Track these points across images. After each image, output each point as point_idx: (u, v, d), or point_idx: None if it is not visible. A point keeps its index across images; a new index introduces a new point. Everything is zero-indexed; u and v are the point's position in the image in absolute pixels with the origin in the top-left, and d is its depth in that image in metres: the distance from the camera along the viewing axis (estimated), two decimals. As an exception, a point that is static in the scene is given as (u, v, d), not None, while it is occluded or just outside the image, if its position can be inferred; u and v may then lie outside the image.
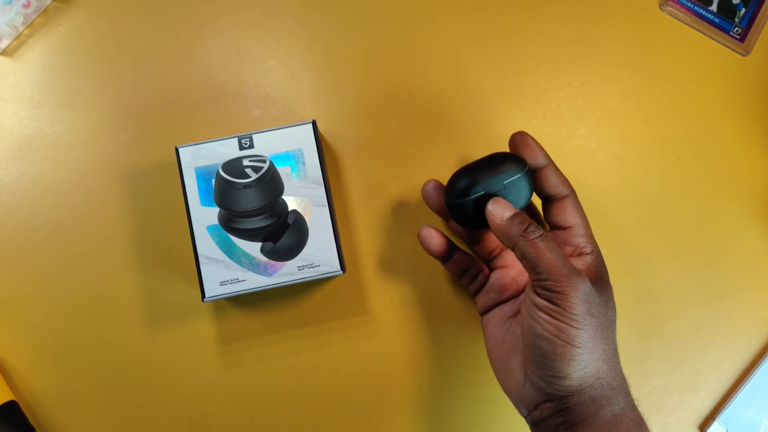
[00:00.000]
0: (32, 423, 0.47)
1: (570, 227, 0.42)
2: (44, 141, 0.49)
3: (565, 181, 0.42)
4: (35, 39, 0.50)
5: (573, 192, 0.42)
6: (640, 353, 0.49)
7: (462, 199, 0.41)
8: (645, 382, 0.49)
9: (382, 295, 0.49)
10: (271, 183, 0.44)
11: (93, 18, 0.50)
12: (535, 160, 0.42)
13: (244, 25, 0.50)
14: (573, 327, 0.36)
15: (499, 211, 0.40)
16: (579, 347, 0.36)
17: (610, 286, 0.41)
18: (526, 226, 0.38)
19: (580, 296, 0.36)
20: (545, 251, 0.38)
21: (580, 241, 0.42)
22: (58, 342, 0.48)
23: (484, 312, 0.45)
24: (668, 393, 0.49)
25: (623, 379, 0.39)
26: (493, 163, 0.41)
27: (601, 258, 0.42)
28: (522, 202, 0.41)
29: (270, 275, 0.43)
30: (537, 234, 0.38)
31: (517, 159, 0.41)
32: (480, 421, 0.49)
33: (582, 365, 0.37)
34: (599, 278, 0.40)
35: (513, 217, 0.39)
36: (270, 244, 0.43)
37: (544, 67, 0.51)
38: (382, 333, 0.49)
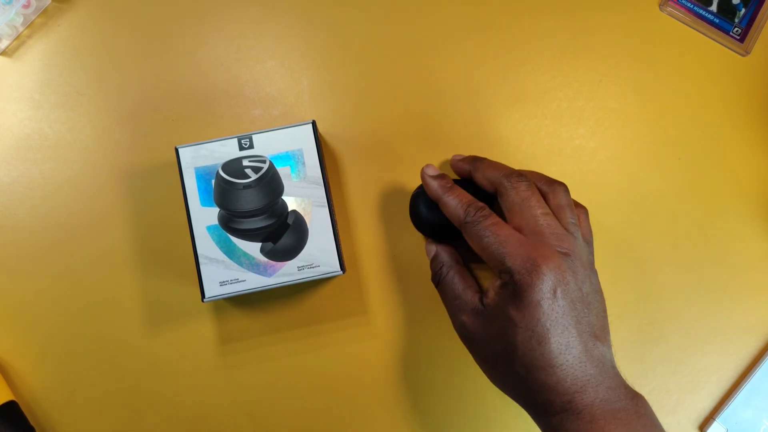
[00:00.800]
0: (32, 423, 0.47)
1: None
2: (44, 141, 0.49)
3: (457, 214, 0.41)
4: (35, 39, 0.50)
5: (467, 222, 0.40)
6: (640, 353, 0.49)
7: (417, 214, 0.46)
8: (645, 382, 0.49)
9: (382, 295, 0.49)
10: (270, 183, 0.44)
11: (93, 18, 0.50)
12: (433, 197, 0.43)
13: (244, 25, 0.50)
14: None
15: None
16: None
17: (513, 307, 0.37)
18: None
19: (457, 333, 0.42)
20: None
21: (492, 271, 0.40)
22: (58, 342, 0.48)
23: None
24: (668, 393, 0.49)
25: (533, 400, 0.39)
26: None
27: (500, 290, 0.38)
28: None
29: (270, 275, 0.43)
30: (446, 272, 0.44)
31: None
32: (482, 421, 0.49)
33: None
34: (495, 306, 0.39)
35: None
36: (270, 245, 0.43)
37: (544, 67, 0.51)
38: (382, 333, 0.49)
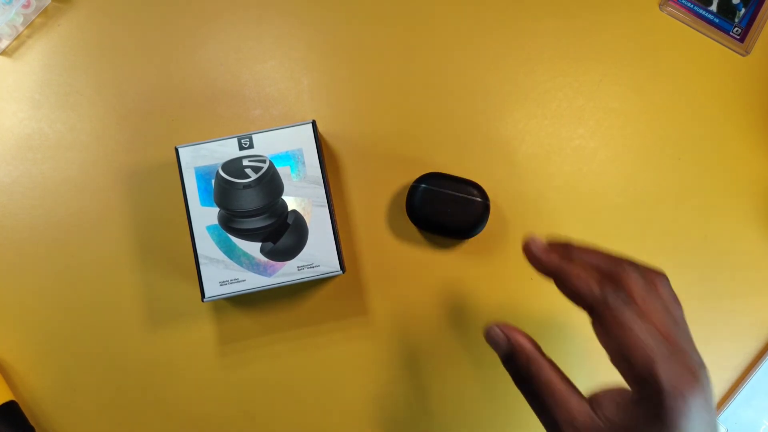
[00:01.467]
0: (32, 423, 0.47)
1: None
2: (44, 141, 0.49)
3: (587, 293, 0.33)
4: (35, 39, 0.50)
5: (608, 306, 0.32)
6: (640, 353, 0.49)
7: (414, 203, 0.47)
8: (645, 382, 0.49)
9: (382, 295, 0.49)
10: (270, 183, 0.44)
11: (93, 18, 0.50)
12: (552, 272, 0.35)
13: (244, 25, 0.50)
14: None
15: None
16: None
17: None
18: None
19: None
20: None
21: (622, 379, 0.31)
22: (58, 342, 0.48)
23: None
24: (668, 393, 0.49)
25: None
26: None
27: (633, 408, 0.30)
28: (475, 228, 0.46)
29: (270, 275, 0.43)
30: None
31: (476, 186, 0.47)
32: (480, 421, 0.49)
33: None
34: (624, 427, 0.30)
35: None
36: (270, 244, 0.43)
37: (544, 67, 0.51)
38: (382, 333, 0.49)
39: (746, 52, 0.51)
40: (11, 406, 0.46)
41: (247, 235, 0.43)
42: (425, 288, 0.49)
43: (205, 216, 0.44)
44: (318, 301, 0.49)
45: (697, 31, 0.51)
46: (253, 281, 0.43)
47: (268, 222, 0.44)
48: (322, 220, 0.44)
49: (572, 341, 0.49)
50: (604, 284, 0.33)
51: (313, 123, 0.45)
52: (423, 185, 0.46)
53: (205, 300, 0.43)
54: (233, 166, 0.44)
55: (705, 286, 0.50)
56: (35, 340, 0.48)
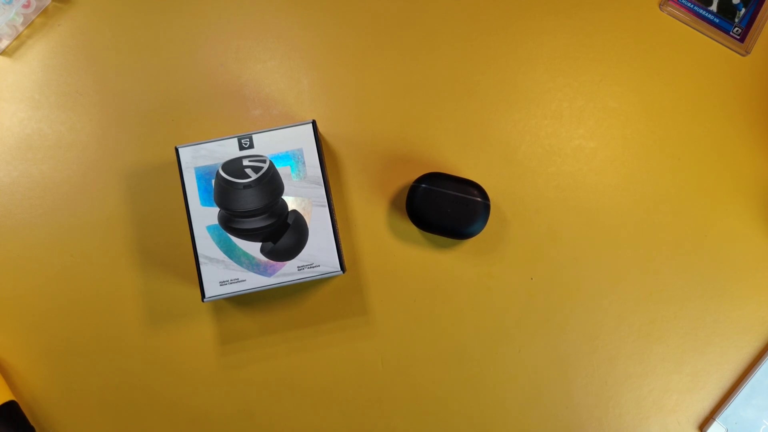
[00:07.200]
0: (32, 423, 0.47)
1: None
2: (44, 141, 0.49)
3: None
4: (35, 39, 0.50)
5: None
6: (640, 353, 0.49)
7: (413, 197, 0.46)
8: (645, 382, 0.49)
9: (382, 295, 0.49)
10: (271, 183, 0.44)
11: (93, 18, 0.50)
12: None
13: (244, 25, 0.50)
14: None
15: None
16: None
17: None
18: None
19: None
20: None
21: None
22: (58, 342, 0.48)
23: None
24: (668, 393, 0.49)
25: None
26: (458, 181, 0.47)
27: None
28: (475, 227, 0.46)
29: (270, 275, 0.43)
30: None
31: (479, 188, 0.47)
32: (479, 420, 0.49)
33: None
34: None
35: None
36: (270, 244, 0.44)
37: (544, 67, 0.51)
38: (382, 333, 0.49)
39: (746, 52, 0.51)
40: (11, 406, 0.46)
41: (247, 235, 0.44)
42: (425, 288, 0.49)
43: (205, 216, 0.44)
44: (318, 301, 0.49)
45: (697, 31, 0.51)
46: (253, 281, 0.43)
47: (268, 222, 0.44)
48: (322, 220, 0.44)
49: (572, 341, 0.49)
50: None
51: (313, 123, 0.45)
52: (423, 185, 0.46)
53: (205, 300, 0.43)
54: (233, 166, 0.44)
55: (705, 287, 0.50)
56: (35, 339, 0.48)
